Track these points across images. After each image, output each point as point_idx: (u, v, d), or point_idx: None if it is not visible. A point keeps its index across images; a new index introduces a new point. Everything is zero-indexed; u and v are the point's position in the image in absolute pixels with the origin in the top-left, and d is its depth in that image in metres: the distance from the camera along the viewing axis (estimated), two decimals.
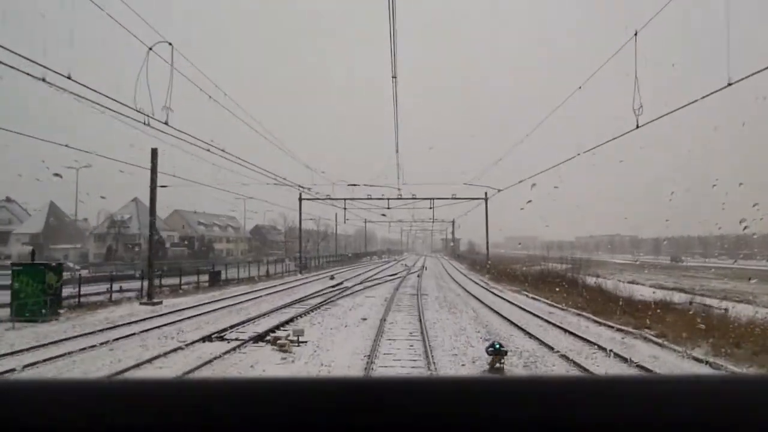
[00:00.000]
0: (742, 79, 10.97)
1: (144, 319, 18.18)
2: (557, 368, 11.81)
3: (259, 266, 45.54)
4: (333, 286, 32.36)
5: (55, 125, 45.98)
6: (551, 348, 13.51)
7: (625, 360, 12.36)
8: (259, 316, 18.86)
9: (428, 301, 24.85)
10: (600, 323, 18.17)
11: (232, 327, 16.24)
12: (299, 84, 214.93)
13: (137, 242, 68.11)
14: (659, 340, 14.87)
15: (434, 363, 11.73)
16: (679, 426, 0.63)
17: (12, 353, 12.31)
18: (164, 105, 13.61)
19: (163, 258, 62.39)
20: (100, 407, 0.64)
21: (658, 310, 19.59)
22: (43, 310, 17.91)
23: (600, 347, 13.50)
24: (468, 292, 30.27)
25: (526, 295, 28.45)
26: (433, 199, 47.02)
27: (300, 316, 19.06)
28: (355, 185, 41.24)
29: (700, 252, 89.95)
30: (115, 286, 27.36)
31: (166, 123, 14.04)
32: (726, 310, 19.79)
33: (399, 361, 12.18)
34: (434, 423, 0.63)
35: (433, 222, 61.89)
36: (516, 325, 17.19)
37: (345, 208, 49.48)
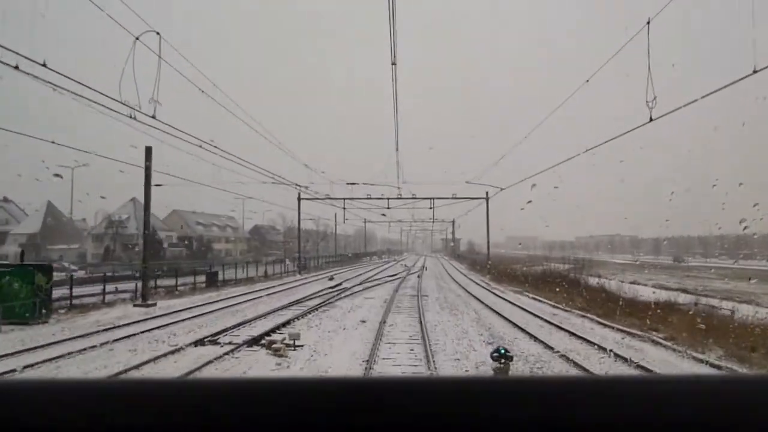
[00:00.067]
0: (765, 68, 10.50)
1: (136, 322, 17.66)
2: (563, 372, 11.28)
3: (257, 267, 45.02)
4: (332, 287, 31.84)
5: (55, 125, 45.62)
6: (557, 352, 13.01)
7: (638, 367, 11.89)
8: (254, 319, 18.34)
9: (429, 302, 24.34)
10: (605, 325, 17.67)
11: (226, 330, 15.72)
12: (299, 84, 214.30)
13: (135, 242, 67.57)
14: (668, 343, 14.37)
15: (436, 369, 11.23)
16: (679, 426, 0.63)
17: None
18: (151, 98, 13.06)
19: (161, 258, 62.02)
20: (100, 407, 0.64)
21: (664, 312, 19.26)
22: (33, 313, 17.39)
23: (608, 351, 12.97)
24: (469, 292, 29.76)
25: (528, 296, 27.97)
26: (433, 198, 46.53)
27: (297, 318, 18.54)
28: (354, 184, 40.70)
29: (700, 252, 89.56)
30: (111, 287, 26.88)
31: (153, 117, 13.51)
32: (732, 311, 19.49)
33: (399, 367, 11.68)
34: (434, 423, 0.62)
35: (433, 222, 61.40)
36: (519, 328, 16.67)
37: (344, 208, 49.01)
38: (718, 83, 12.13)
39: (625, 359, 12.27)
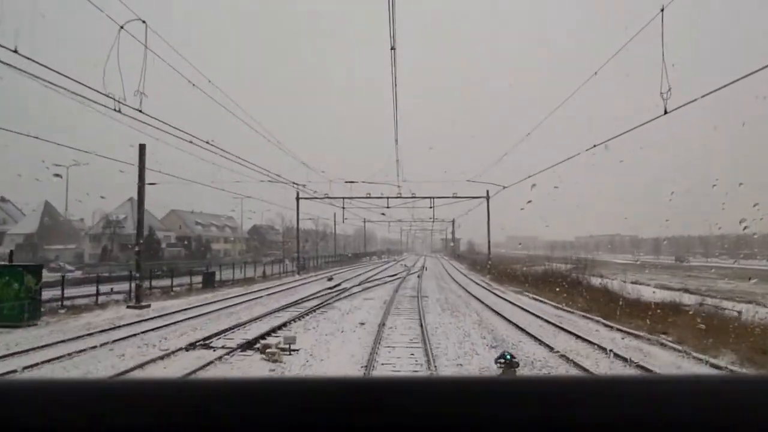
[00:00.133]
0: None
1: (128, 325, 17.13)
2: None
3: (256, 267, 44.51)
4: (330, 288, 31.33)
5: (55, 125, 45.21)
6: (564, 356, 12.49)
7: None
8: (250, 321, 17.82)
9: (429, 303, 23.81)
10: (611, 327, 17.15)
11: (220, 333, 15.20)
12: (299, 84, 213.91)
13: (133, 242, 66.94)
14: (678, 347, 13.85)
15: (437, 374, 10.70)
16: (679, 426, 0.63)
17: None
18: (137, 90, 12.51)
19: (160, 258, 61.53)
20: (100, 407, 0.64)
21: (670, 313, 18.84)
22: (22, 315, 16.86)
23: (617, 355, 12.47)
24: (470, 293, 29.24)
25: (530, 297, 27.47)
26: (434, 198, 45.99)
27: (294, 320, 18.02)
28: (352, 182, 40.13)
29: (701, 252, 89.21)
30: (106, 288, 26.41)
31: (139, 110, 12.96)
32: (740, 312, 19.13)
33: (399, 373, 11.16)
34: (434, 423, 0.62)
35: (433, 222, 60.82)
36: (523, 330, 16.16)
37: (343, 208, 48.47)
38: (718, 83, 11.96)
39: (636, 366, 11.78)
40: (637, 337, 15.35)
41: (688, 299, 23.00)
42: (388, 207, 46.51)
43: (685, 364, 12.19)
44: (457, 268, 62.10)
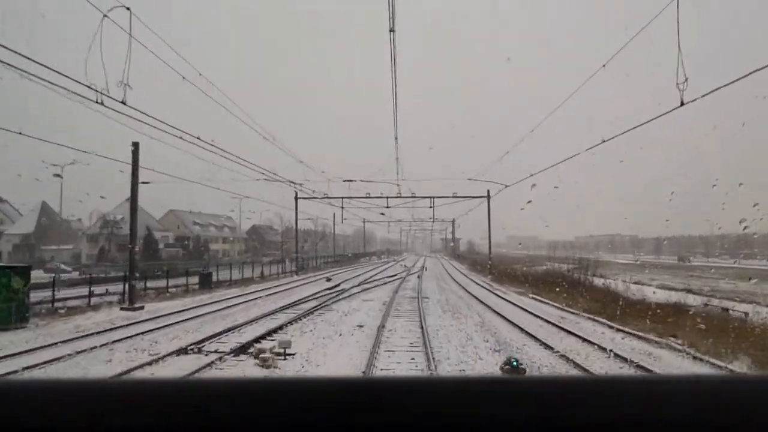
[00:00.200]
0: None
1: (119, 327, 16.59)
2: None
3: (253, 267, 43.98)
4: (329, 289, 30.79)
5: (56, 125, 44.77)
6: (572, 360, 11.96)
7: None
8: (245, 323, 17.28)
9: (429, 304, 23.27)
10: (617, 329, 16.61)
11: (213, 336, 14.66)
12: (299, 84, 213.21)
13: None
14: (690, 350, 13.32)
15: None
16: (679, 426, 0.63)
17: None
18: (121, 80, 11.92)
19: (157, 259, 61.00)
20: (100, 407, 0.64)
21: (676, 314, 18.40)
22: (9, 318, 16.32)
23: (628, 361, 11.94)
24: (471, 294, 28.70)
25: (532, 298, 26.95)
26: (434, 197, 45.46)
27: (291, 322, 17.48)
28: (351, 181, 39.53)
29: (701, 252, 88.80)
30: (101, 289, 25.90)
31: (123, 102, 12.37)
32: (746, 314, 18.76)
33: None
34: (434, 423, 0.62)
35: (433, 221, 60.26)
36: (527, 333, 15.63)
37: (342, 207, 47.89)
38: (718, 82, 11.70)
39: (645, 369, 11.26)
40: (645, 340, 14.82)
41: (693, 300, 22.63)
42: (387, 207, 46.00)
43: (700, 370, 11.64)
44: (458, 269, 61.56)
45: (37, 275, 35.65)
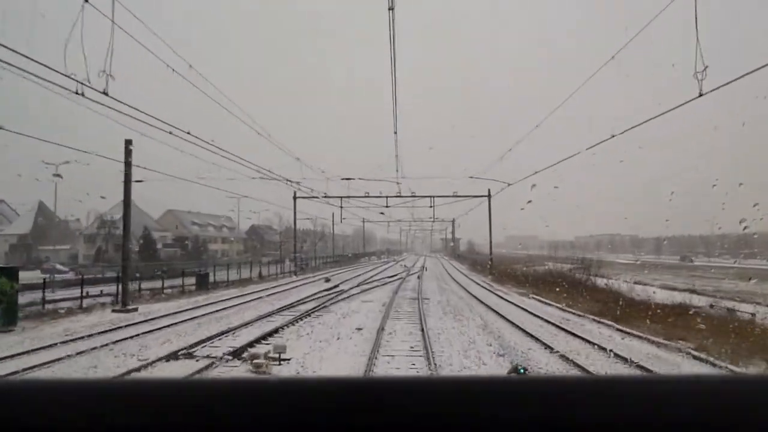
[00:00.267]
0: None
1: (109, 331, 16.04)
2: None
3: (251, 267, 43.46)
4: (328, 289, 30.26)
5: (56, 125, 44.37)
6: (580, 366, 11.42)
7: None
8: (241, 326, 16.73)
9: (430, 306, 22.74)
10: (625, 332, 16.08)
11: (206, 340, 14.11)
12: (299, 84, 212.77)
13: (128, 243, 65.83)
14: (702, 355, 12.80)
15: None
16: (679, 426, 0.63)
17: None
18: (102, 70, 11.33)
19: (155, 259, 60.44)
20: (100, 407, 0.64)
21: (683, 316, 17.98)
22: None
23: (640, 367, 11.41)
24: (472, 295, 28.16)
25: (534, 298, 26.42)
26: (434, 197, 44.90)
27: (287, 325, 16.94)
28: (350, 179, 38.93)
29: (702, 251, 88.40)
30: (96, 290, 25.40)
31: (104, 93, 11.76)
32: (753, 315, 18.39)
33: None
34: (434, 423, 0.62)
35: (433, 221, 59.68)
36: (532, 336, 15.09)
37: (341, 207, 47.32)
38: (718, 81, 11.60)
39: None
40: (653, 343, 14.29)
41: (698, 300, 22.25)
42: (387, 206, 45.45)
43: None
44: (458, 269, 61.02)
45: (33, 276, 35.30)
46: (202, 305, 23.12)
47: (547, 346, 13.62)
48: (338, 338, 14.76)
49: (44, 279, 23.22)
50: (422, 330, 15.79)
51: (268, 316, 19.32)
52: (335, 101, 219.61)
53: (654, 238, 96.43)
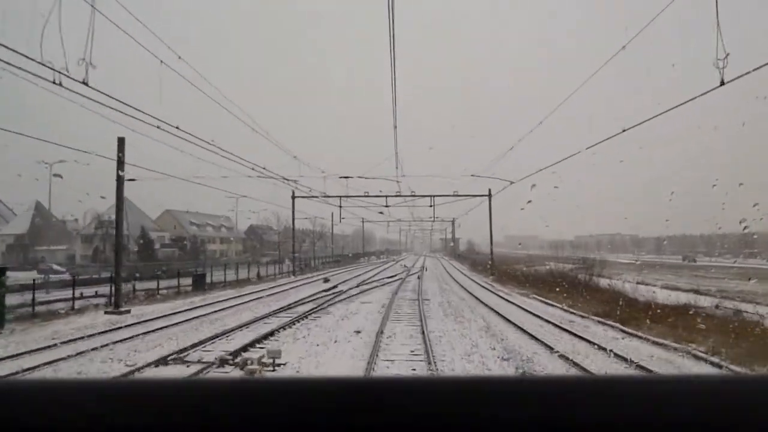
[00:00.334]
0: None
1: (99, 333, 15.51)
2: None
3: (249, 267, 42.94)
4: (326, 290, 29.74)
5: (55, 125, 44.01)
6: (589, 372, 10.90)
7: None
8: (235, 328, 16.21)
9: (431, 307, 22.22)
10: (631, 335, 15.58)
11: (199, 344, 13.58)
12: (299, 84, 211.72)
13: (125, 243, 65.47)
14: (714, 359, 12.28)
15: None
16: (679, 426, 0.63)
17: None
18: (82, 58, 10.74)
19: (153, 259, 59.96)
20: (100, 407, 0.64)
21: (691, 317, 17.50)
22: None
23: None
24: (473, 296, 27.63)
25: (537, 299, 25.90)
26: (434, 196, 44.34)
27: (283, 327, 16.42)
28: (348, 177, 38.35)
29: (703, 251, 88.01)
30: (91, 291, 24.93)
31: (84, 83, 11.17)
32: (762, 316, 17.99)
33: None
34: (434, 423, 0.63)
35: (433, 220, 59.08)
36: (537, 339, 14.57)
37: (340, 206, 46.75)
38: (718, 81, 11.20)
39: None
40: (662, 346, 13.78)
41: (703, 301, 21.83)
42: (387, 206, 44.88)
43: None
44: (458, 269, 60.50)
45: (30, 276, 34.81)
46: (198, 306, 22.59)
47: (553, 350, 13.10)
48: (336, 341, 14.25)
49: (34, 280, 22.64)
50: (423, 333, 15.28)
51: (264, 318, 18.80)
52: (335, 101, 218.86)
53: (654, 238, 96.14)
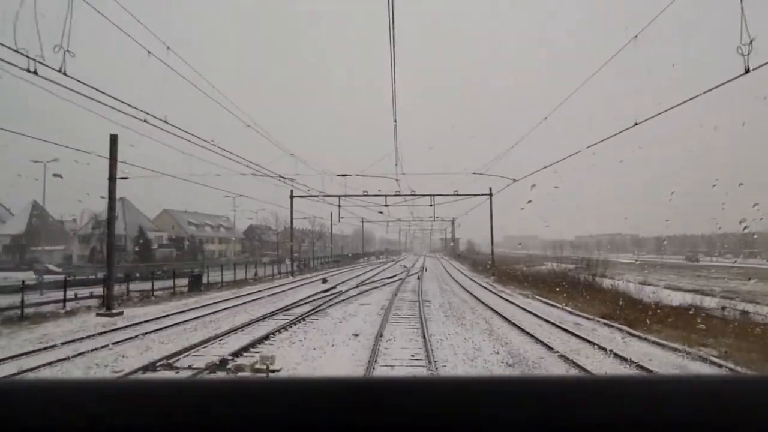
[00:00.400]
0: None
1: (88, 337, 14.95)
2: None
3: (247, 267, 42.39)
4: (325, 291, 29.19)
5: (56, 125, 43.64)
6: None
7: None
8: (229, 332, 15.66)
9: (431, 309, 21.67)
10: (640, 338, 15.04)
11: (190, 348, 13.02)
12: (299, 84, 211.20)
13: (123, 243, 65.09)
14: (729, 363, 11.73)
15: None
16: (679, 426, 0.63)
17: None
18: (58, 45, 10.12)
19: (150, 259, 59.43)
20: (100, 407, 0.64)
21: (699, 319, 17.03)
22: None
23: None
24: (475, 297, 27.08)
25: (540, 300, 25.37)
26: (434, 195, 43.77)
27: (279, 330, 15.87)
28: (346, 175, 37.74)
29: (704, 251, 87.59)
30: (86, 292, 24.39)
31: (62, 72, 10.55)
32: None
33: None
34: (434, 423, 0.63)
35: (433, 220, 58.51)
36: (542, 343, 14.03)
37: (339, 206, 46.17)
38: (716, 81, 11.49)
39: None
40: (673, 350, 13.24)
41: (716, 302, 21.44)
42: (386, 205, 44.31)
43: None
44: (458, 269, 59.95)
45: (26, 277, 34.27)
46: (192, 308, 22.04)
47: (560, 355, 12.55)
48: (333, 345, 13.70)
49: (23, 281, 22.07)
50: (424, 336, 14.74)
51: (260, 320, 18.25)
52: (335, 101, 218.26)
53: (654, 238, 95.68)
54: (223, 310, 21.61)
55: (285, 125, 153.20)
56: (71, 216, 70.00)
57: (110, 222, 21.92)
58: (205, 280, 33.60)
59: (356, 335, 15.10)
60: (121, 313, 20.14)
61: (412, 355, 12.55)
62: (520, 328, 16.57)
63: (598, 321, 18.54)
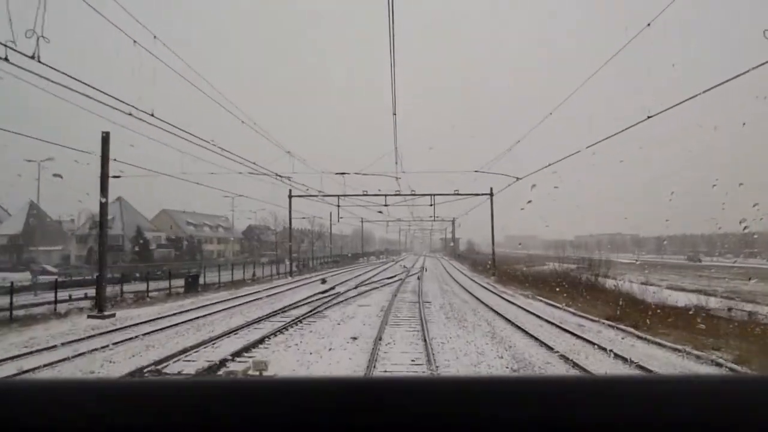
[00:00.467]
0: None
1: (77, 340, 14.44)
2: None
3: (245, 268, 41.88)
4: (323, 292, 28.69)
5: (56, 125, 43.27)
6: None
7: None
8: (223, 335, 15.16)
9: (432, 310, 21.17)
10: (648, 340, 14.56)
11: (181, 353, 12.53)
12: (299, 84, 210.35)
13: (121, 243, 64.61)
14: (742, 368, 11.24)
15: None
16: (679, 426, 0.63)
17: None
18: (31, 29, 9.57)
19: (148, 260, 58.94)
20: (100, 407, 0.64)
21: (708, 321, 16.62)
22: None
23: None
24: (476, 298, 26.58)
25: (542, 301, 24.88)
26: (434, 195, 43.26)
27: (275, 333, 15.37)
28: (345, 174, 37.20)
29: (704, 251, 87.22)
30: (80, 293, 23.93)
31: (36, 58, 10.01)
32: None
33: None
34: (434, 423, 0.63)
35: (433, 220, 57.98)
36: (547, 346, 13.53)
37: (338, 206, 45.65)
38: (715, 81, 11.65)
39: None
40: (684, 353, 12.74)
41: (714, 302, 21.04)
42: (386, 205, 43.80)
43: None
44: (458, 269, 59.46)
45: (23, 277, 33.79)
46: (187, 310, 21.54)
47: (566, 359, 12.05)
48: (330, 349, 13.20)
49: (11, 282, 21.55)
50: (424, 339, 14.24)
51: (256, 322, 17.74)
52: (335, 101, 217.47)
53: (654, 238, 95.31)
54: (219, 311, 21.12)
55: (285, 125, 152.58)
56: (69, 216, 69.50)
57: (102, 222, 21.39)
58: (202, 280, 33.11)
59: (355, 338, 14.60)
60: (113, 315, 19.63)
61: (413, 360, 12.06)
62: (524, 330, 16.09)
63: (603, 323, 18.07)
